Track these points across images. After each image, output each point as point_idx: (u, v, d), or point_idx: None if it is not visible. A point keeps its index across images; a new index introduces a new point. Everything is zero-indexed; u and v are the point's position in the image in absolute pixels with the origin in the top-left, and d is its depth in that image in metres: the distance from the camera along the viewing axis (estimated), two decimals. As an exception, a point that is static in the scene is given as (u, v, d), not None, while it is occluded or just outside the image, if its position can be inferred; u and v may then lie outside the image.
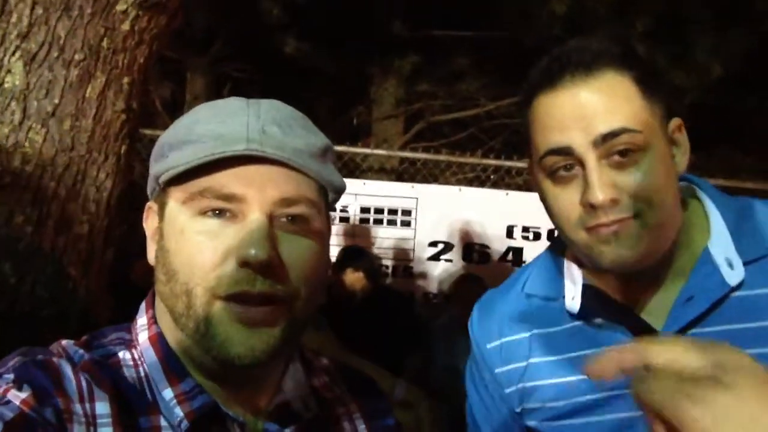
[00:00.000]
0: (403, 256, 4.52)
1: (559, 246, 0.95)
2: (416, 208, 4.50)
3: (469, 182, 5.07)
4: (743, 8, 4.69)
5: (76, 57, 1.46)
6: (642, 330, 0.83)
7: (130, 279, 3.37)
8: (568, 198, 0.80)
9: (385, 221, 4.49)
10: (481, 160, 4.95)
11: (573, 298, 0.89)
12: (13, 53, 1.41)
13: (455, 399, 4.18)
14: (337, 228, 4.39)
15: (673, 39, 4.74)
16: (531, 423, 0.94)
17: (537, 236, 4.56)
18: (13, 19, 1.41)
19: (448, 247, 4.54)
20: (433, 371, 3.92)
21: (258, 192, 0.62)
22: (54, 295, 1.41)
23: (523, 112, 0.87)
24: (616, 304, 0.86)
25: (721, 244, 0.83)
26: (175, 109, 6.25)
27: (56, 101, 1.44)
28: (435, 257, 4.54)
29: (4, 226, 1.38)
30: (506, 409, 0.97)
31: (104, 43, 1.50)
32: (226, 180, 0.62)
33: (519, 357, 0.94)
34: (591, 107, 0.78)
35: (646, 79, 0.80)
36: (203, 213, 0.63)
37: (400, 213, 4.50)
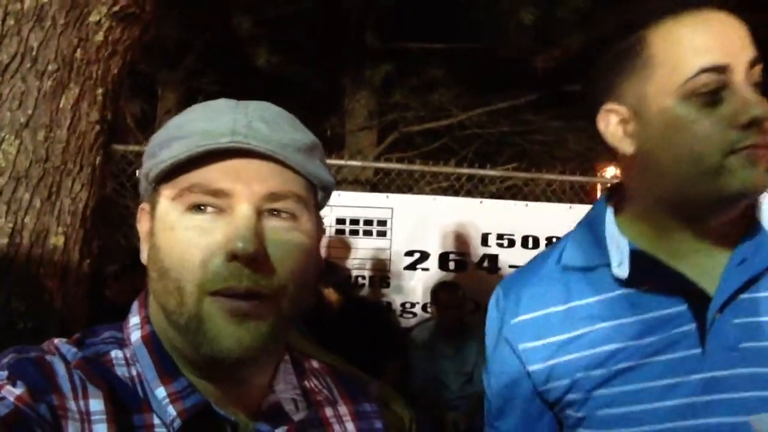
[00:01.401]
0: (379, 267, 4.53)
1: (596, 216, 0.93)
2: (392, 218, 4.52)
3: (444, 191, 5.12)
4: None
5: (50, 68, 1.45)
6: (695, 294, 0.82)
7: (106, 296, 3.33)
8: (714, 120, 0.78)
9: (360, 232, 4.50)
10: (455, 169, 4.99)
11: (620, 265, 0.86)
12: (-15, 64, 1.40)
13: (433, 402, 4.19)
14: (313, 239, 4.38)
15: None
16: (557, 399, 0.90)
17: (512, 243, 4.61)
18: (-15, 31, 1.40)
19: (424, 256, 4.56)
20: (412, 379, 3.93)
21: (245, 186, 0.63)
22: (30, 307, 1.39)
23: (632, 36, 0.83)
24: (670, 270, 0.84)
25: None
26: (147, 125, 6.19)
27: (30, 112, 1.43)
28: (412, 266, 4.56)
29: (-23, 238, 1.36)
30: (529, 388, 0.92)
31: (78, 54, 1.49)
32: (213, 175, 0.63)
33: (552, 331, 0.90)
34: (742, 32, 0.79)
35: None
36: (192, 209, 0.63)
37: (375, 223, 4.51)
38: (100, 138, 1.56)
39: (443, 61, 5.83)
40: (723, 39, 0.79)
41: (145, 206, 0.70)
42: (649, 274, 0.85)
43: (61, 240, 1.46)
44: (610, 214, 0.92)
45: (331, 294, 3.70)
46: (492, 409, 1.00)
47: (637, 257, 0.86)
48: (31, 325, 1.38)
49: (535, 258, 0.99)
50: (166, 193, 0.65)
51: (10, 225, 1.39)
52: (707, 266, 0.84)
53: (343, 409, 0.80)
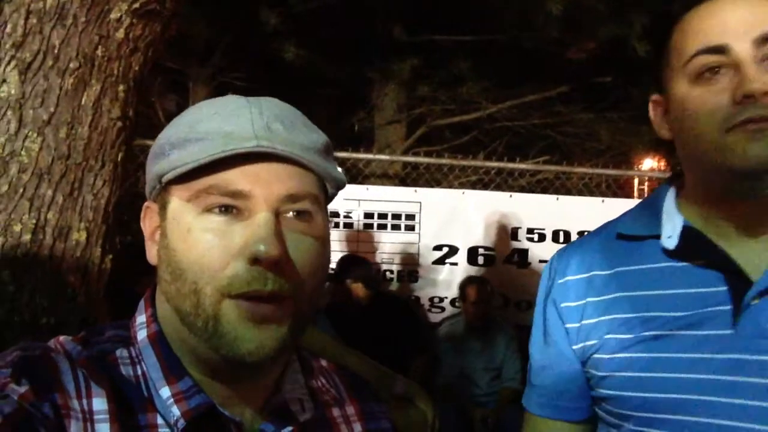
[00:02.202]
0: (408, 261, 4.52)
1: (657, 194, 0.96)
2: (420, 213, 4.50)
3: (473, 185, 5.07)
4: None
5: (71, 65, 1.46)
6: (737, 276, 0.83)
7: (136, 291, 3.38)
8: (715, 96, 0.80)
9: (389, 226, 4.49)
10: (484, 162, 4.95)
11: (670, 237, 0.89)
12: (8, 63, 1.41)
13: (461, 398, 4.18)
14: (341, 234, 4.39)
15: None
16: (586, 358, 0.94)
17: (542, 237, 4.55)
18: (8, 29, 1.42)
19: (452, 250, 4.54)
20: (439, 372, 3.91)
21: (264, 188, 0.62)
22: (53, 303, 1.41)
23: (664, 32, 0.88)
24: (717, 248, 0.86)
25: None
26: (179, 120, 6.25)
27: (52, 110, 1.44)
28: (440, 261, 4.53)
29: (1, 234, 1.38)
30: (565, 345, 0.97)
31: (99, 51, 1.50)
32: (232, 177, 0.62)
33: (592, 293, 0.94)
34: (755, 11, 0.80)
35: None
36: (209, 210, 0.62)
37: (403, 218, 4.50)
38: (122, 134, 1.57)
39: (471, 53, 5.77)
40: (724, 20, 0.81)
41: (151, 205, 0.70)
42: (696, 251, 0.87)
43: (83, 236, 1.48)
44: (671, 192, 0.95)
45: (359, 289, 3.70)
46: (533, 366, 1.04)
47: (687, 232, 0.88)
48: (53, 320, 1.40)
49: (595, 229, 1.04)
50: (180, 193, 0.64)
51: (33, 221, 1.41)
52: (757, 251, 0.84)
53: (350, 409, 0.79)
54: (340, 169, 0.72)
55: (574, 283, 0.97)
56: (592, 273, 0.96)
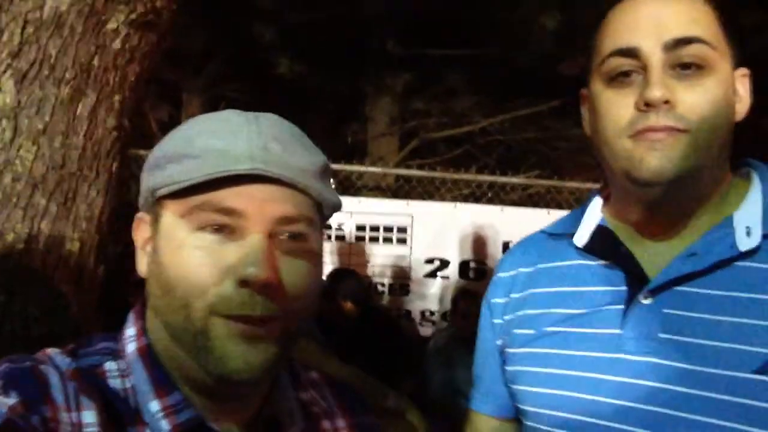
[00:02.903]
0: (399, 274, 4.51)
1: (593, 194, 0.97)
2: (412, 226, 4.51)
3: (465, 199, 5.09)
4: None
5: (67, 75, 1.46)
6: (636, 276, 0.83)
7: (130, 302, 3.36)
8: (622, 101, 0.79)
9: (381, 239, 4.50)
10: (476, 176, 4.97)
11: (582, 235, 0.90)
12: (4, 72, 1.41)
13: (453, 414, 4.16)
14: (332, 246, 4.39)
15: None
16: (501, 351, 0.97)
17: (533, 251, 4.56)
18: (4, 38, 1.41)
19: (444, 263, 4.54)
20: (429, 387, 3.90)
21: (259, 209, 0.62)
22: (45, 313, 1.40)
23: (594, 32, 0.86)
24: (621, 248, 0.86)
25: (748, 212, 0.80)
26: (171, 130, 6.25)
27: (47, 119, 1.44)
28: (431, 274, 4.54)
29: (-6, 244, 1.37)
30: (491, 340, 1.00)
31: (95, 61, 1.50)
32: (226, 195, 0.62)
33: (515, 289, 0.97)
34: (668, 13, 0.78)
35: (726, 14, 0.80)
36: (202, 228, 0.62)
37: (395, 230, 4.51)
38: (117, 144, 1.57)
39: (465, 67, 5.80)
40: (637, 21, 0.79)
41: (143, 216, 0.69)
42: (603, 250, 0.87)
43: (76, 246, 1.47)
44: (599, 195, 0.97)
45: (348, 305, 3.69)
46: (475, 362, 1.06)
47: (598, 231, 0.89)
48: (46, 330, 1.39)
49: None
50: (174, 208, 0.64)
51: (26, 230, 1.40)
52: (663, 255, 0.83)
53: (341, 422, 0.79)
54: (333, 189, 0.72)
55: (504, 280, 1.00)
56: (518, 270, 0.98)
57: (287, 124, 0.69)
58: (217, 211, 0.62)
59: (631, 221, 0.87)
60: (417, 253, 4.51)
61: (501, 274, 1.01)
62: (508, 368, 0.94)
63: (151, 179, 0.67)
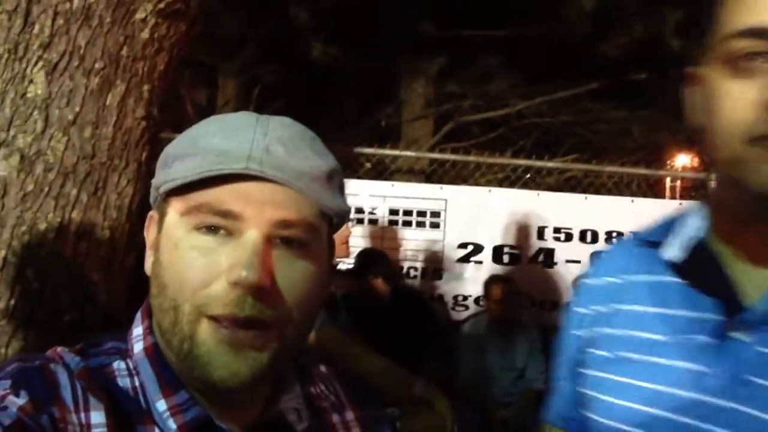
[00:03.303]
0: (432, 258, 4.50)
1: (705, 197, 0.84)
2: (445, 210, 4.48)
3: (499, 183, 5.04)
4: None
5: (97, 66, 1.48)
6: (730, 301, 0.71)
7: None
8: (745, 94, 0.64)
9: (414, 223, 4.48)
10: (511, 160, 4.91)
11: (673, 247, 0.77)
12: (36, 63, 1.43)
13: (482, 398, 4.14)
14: (365, 230, 4.39)
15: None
16: (577, 367, 0.86)
17: (569, 237, 4.49)
18: (35, 30, 1.43)
19: (477, 248, 4.51)
20: (460, 372, 3.90)
21: (256, 211, 0.61)
22: (76, 300, 1.43)
23: (710, 6, 0.70)
24: (719, 269, 0.73)
25: None
26: (209, 114, 6.33)
27: (77, 110, 1.46)
28: (464, 259, 4.51)
29: (26, 232, 1.41)
30: (572, 350, 0.89)
31: (124, 52, 1.51)
32: (224, 196, 0.61)
33: (598, 301, 0.85)
34: None
35: None
36: (198, 228, 0.61)
37: (429, 215, 4.48)
38: (146, 134, 1.58)
39: (500, 49, 5.70)
40: None
41: (153, 215, 0.69)
42: (698, 268, 0.75)
43: (106, 234, 1.50)
44: (703, 201, 0.83)
45: (380, 284, 3.70)
46: (555, 371, 0.95)
47: (697, 247, 0.75)
48: (76, 318, 1.42)
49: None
50: (176, 206, 0.64)
51: (58, 220, 1.43)
52: (762, 278, 0.71)
53: (349, 415, 0.78)
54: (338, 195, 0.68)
55: (590, 288, 0.89)
56: (608, 279, 0.86)
57: (300, 127, 0.68)
58: (214, 213, 0.61)
59: (736, 239, 0.74)
60: (450, 238, 4.48)
61: (588, 281, 0.90)
62: (579, 389, 0.85)
63: (158, 176, 0.67)
